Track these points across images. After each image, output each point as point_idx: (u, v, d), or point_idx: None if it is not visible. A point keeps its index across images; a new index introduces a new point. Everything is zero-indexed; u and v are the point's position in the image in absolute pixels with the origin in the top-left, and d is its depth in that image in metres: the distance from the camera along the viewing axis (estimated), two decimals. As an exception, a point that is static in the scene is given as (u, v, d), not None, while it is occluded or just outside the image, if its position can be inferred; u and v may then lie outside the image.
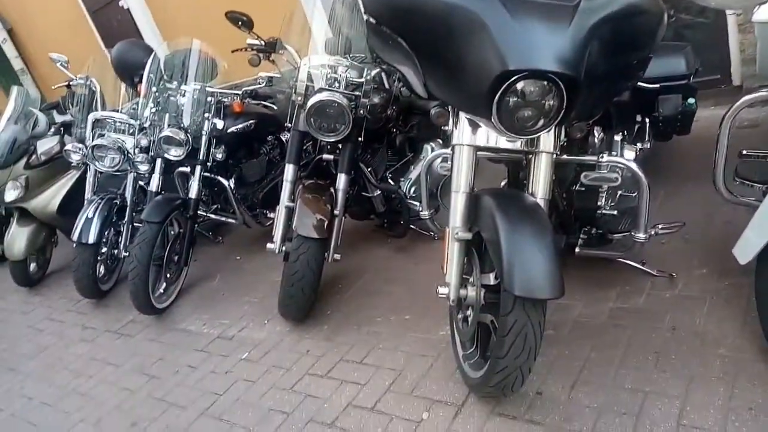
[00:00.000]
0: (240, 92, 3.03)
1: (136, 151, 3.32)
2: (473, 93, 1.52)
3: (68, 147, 3.35)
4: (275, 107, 3.17)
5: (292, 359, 2.26)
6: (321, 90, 2.40)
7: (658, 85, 2.37)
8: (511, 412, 1.66)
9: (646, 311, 1.90)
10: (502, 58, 1.40)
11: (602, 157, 1.73)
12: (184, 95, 2.95)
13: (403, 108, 2.92)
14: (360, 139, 2.54)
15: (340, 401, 1.93)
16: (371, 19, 1.68)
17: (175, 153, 2.96)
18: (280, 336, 2.48)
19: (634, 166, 1.69)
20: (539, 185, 1.65)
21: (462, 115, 1.65)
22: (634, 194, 2.11)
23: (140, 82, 3.09)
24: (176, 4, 5.62)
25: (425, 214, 2.18)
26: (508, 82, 1.43)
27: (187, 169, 3.14)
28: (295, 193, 2.50)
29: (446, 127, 1.71)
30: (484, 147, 1.67)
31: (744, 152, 1.80)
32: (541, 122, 1.51)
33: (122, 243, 3.43)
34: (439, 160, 2.07)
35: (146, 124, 3.01)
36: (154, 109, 2.99)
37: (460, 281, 1.68)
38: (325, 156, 2.68)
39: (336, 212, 2.43)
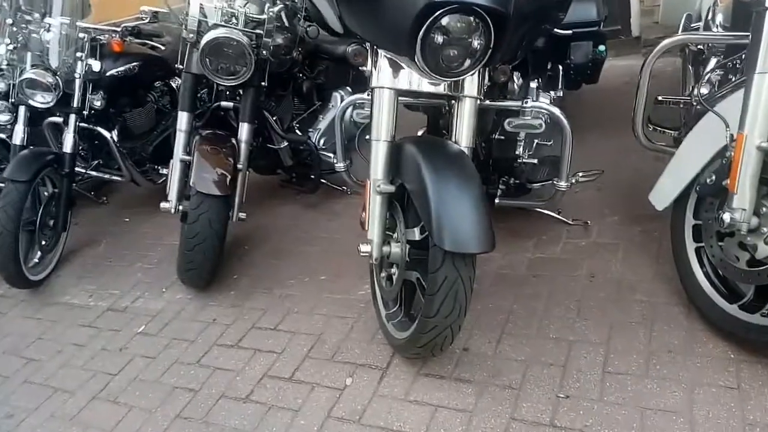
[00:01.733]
0: (119, 29, 2.63)
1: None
2: (396, 28, 1.37)
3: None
4: (163, 48, 2.80)
5: (197, 330, 2.05)
6: (216, 26, 2.11)
7: (570, 32, 2.34)
8: (439, 372, 1.59)
9: (564, 260, 1.90)
10: None
11: (526, 102, 1.66)
12: (49, 30, 2.50)
13: (309, 52, 2.68)
14: (263, 83, 2.30)
15: (254, 373, 1.77)
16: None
17: (41, 99, 2.53)
18: (180, 305, 2.25)
19: (557, 112, 1.64)
20: (463, 133, 1.54)
21: (381, 54, 1.49)
22: (549, 143, 2.09)
23: (-8, 14, 2.58)
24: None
25: (340, 166, 2.02)
26: (434, 15, 1.30)
27: (59, 120, 2.71)
28: (190, 145, 2.23)
29: (364, 68, 1.54)
30: (405, 91, 1.53)
31: (659, 98, 1.80)
32: (467, 63, 1.39)
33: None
34: (352, 107, 1.90)
35: (2, 65, 2.53)
36: (11, 47, 2.51)
37: (383, 238, 1.56)
38: (224, 104, 2.41)
39: (239, 166, 2.20)
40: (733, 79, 1.67)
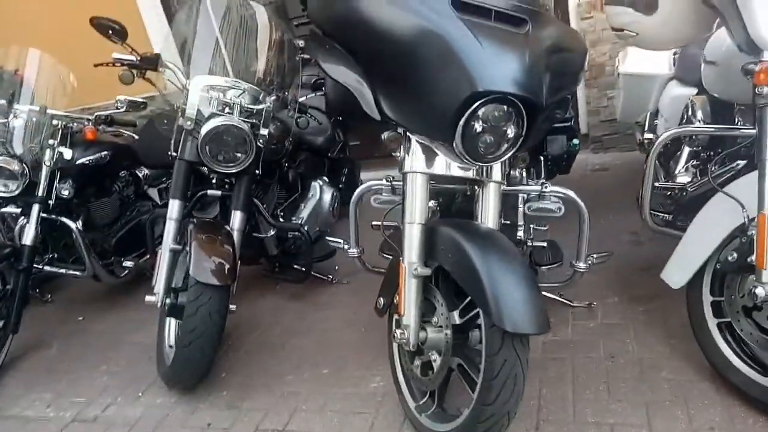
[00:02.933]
0: (92, 117, 2.54)
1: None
2: (437, 116, 1.42)
3: None
4: (135, 137, 2.71)
5: (190, 437, 1.84)
6: (214, 115, 2.09)
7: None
8: (482, 465, 1.50)
9: (578, 342, 1.92)
10: (472, 81, 1.34)
11: (546, 186, 1.73)
12: (17, 117, 2.36)
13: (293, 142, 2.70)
14: (258, 171, 2.26)
15: (271, 483, 1.59)
16: (317, 30, 1.49)
17: (4, 188, 2.33)
18: (164, 410, 2.01)
19: (574, 196, 1.71)
20: (489, 216, 1.57)
21: (414, 140, 1.52)
22: (545, 227, 2.17)
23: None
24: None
25: (353, 252, 1.98)
26: (476, 104, 1.36)
27: (15, 210, 2.50)
28: (181, 233, 2.11)
29: (397, 154, 1.56)
30: (434, 175, 1.56)
31: (656, 184, 1.95)
32: (502, 148, 1.45)
33: None
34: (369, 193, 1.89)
35: (-37, 151, 2.33)
36: (-29, 132, 2.33)
37: (419, 323, 1.51)
38: (210, 192, 2.33)
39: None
40: (714, 169, 1.84)
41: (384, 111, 1.50)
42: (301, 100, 2.44)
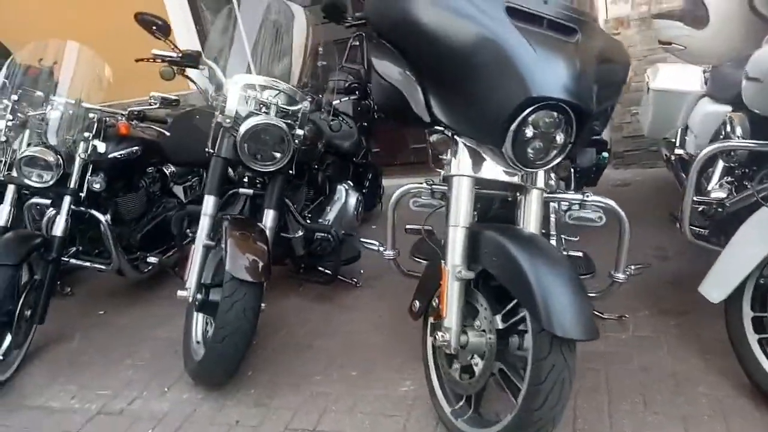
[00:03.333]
0: (125, 112, 2.55)
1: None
2: (488, 120, 1.43)
3: None
4: (166, 133, 2.72)
5: (218, 434, 1.83)
6: (252, 114, 2.11)
7: (577, 138, 2.53)
8: (520, 473, 1.49)
9: (612, 354, 1.91)
10: (526, 87, 1.35)
11: (587, 195, 1.73)
12: (54, 108, 2.37)
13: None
14: (291, 171, 2.27)
15: (304, 481, 1.58)
16: (375, 33, 1.51)
17: (39, 179, 2.35)
18: (190, 405, 2.01)
19: (615, 205, 1.72)
20: (531, 222, 1.57)
21: (461, 144, 1.54)
22: (576, 239, 2.18)
23: (-11, 88, 2.43)
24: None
25: (389, 254, 1.98)
26: (528, 110, 1.38)
27: (45, 201, 2.51)
28: (215, 229, 2.11)
29: (444, 156, 1.57)
30: (479, 179, 1.56)
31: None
32: (551, 154, 1.47)
33: None
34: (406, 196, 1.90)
35: (2, 138, 2.34)
36: (10, 123, 2.35)
37: (461, 326, 1.51)
38: (242, 190, 2.34)
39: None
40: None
41: (434, 113, 1.51)
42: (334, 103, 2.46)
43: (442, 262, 1.56)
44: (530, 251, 1.39)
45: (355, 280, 2.67)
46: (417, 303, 1.76)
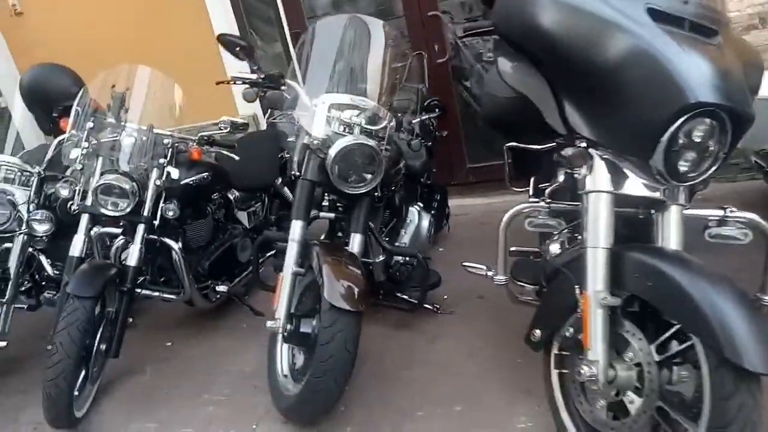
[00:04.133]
0: (196, 137, 2.49)
1: (32, 206, 2.56)
2: (636, 130, 1.32)
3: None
4: (236, 157, 2.64)
5: (322, 477, 1.70)
6: (337, 134, 2.01)
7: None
8: None
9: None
10: (682, 93, 1.24)
11: (731, 211, 1.59)
12: (129, 135, 2.31)
13: (396, 165, 2.61)
14: (377, 194, 2.17)
15: None
16: (504, 41, 1.41)
17: (115, 207, 2.27)
18: (285, 444, 1.89)
19: (760, 219, 1.57)
20: (671, 240, 1.43)
21: (597, 157, 1.41)
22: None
23: (63, 115, 2.39)
24: (40, 42, 4.73)
25: (501, 279, 1.85)
26: (684, 118, 1.26)
27: (116, 231, 2.44)
28: (303, 255, 2.00)
29: (579, 171, 1.44)
30: (617, 194, 1.44)
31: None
32: (704, 166, 1.34)
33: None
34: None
35: (78, 167, 2.27)
36: (85, 150, 2.28)
37: (608, 358, 1.37)
38: (322, 214, 2.24)
39: (363, 279, 1.98)
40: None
41: (570, 124, 1.40)
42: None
43: (576, 287, 1.43)
44: (690, 272, 1.26)
45: (436, 306, 2.54)
46: (538, 332, 1.62)
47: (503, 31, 1.44)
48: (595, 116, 1.36)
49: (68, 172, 2.37)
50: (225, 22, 4.11)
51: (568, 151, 1.42)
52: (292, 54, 3.99)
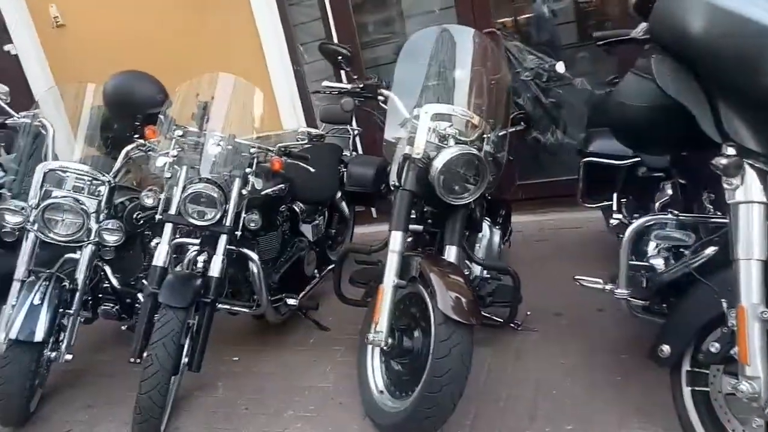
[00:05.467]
0: (274, 148, 2.46)
1: (102, 215, 2.51)
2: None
3: (5, 205, 2.39)
4: (312, 170, 2.60)
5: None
6: (441, 145, 1.99)
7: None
8: None
9: None
10: None
11: None
12: (216, 144, 2.28)
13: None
14: (472, 205, 2.14)
15: None
16: (660, 48, 1.40)
17: (199, 217, 2.23)
18: (390, 463, 1.82)
19: None
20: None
21: (748, 168, 1.39)
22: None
23: (145, 123, 2.36)
24: (80, 54, 4.73)
25: (623, 292, 1.82)
26: None
27: (194, 241, 2.39)
28: (404, 266, 1.96)
29: (732, 181, 1.41)
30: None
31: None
32: None
33: (65, 342, 2.46)
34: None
35: (167, 176, 2.24)
36: (171, 159, 2.25)
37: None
38: (413, 226, 2.20)
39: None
40: None
41: (726, 132, 1.37)
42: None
43: (723, 301, 1.40)
44: None
45: (519, 322, 2.49)
46: (667, 348, 1.57)
47: (658, 36, 1.43)
48: (756, 124, 1.34)
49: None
50: (273, 34, 4.11)
51: (721, 161, 1.39)
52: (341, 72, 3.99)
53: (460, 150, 1.93)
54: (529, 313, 2.50)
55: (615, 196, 2.48)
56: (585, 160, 2.58)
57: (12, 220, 2.39)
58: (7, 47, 5.09)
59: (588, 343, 2.30)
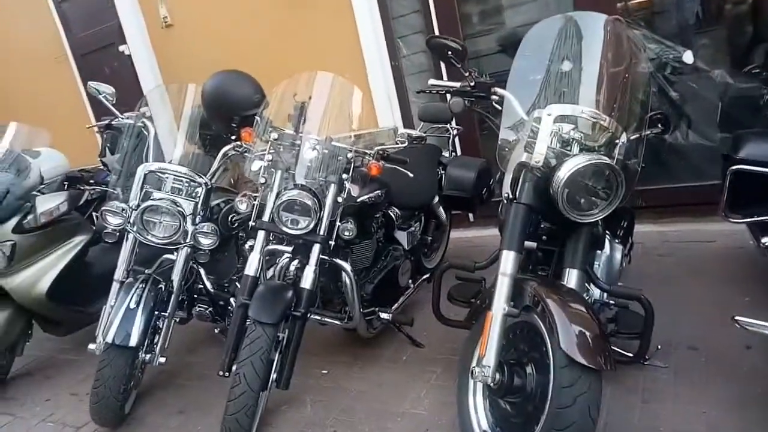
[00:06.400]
0: (372, 151, 2.27)
1: (198, 218, 2.45)
2: None
3: (107, 207, 2.40)
4: (410, 174, 2.39)
5: None
6: (565, 152, 1.71)
7: None
8: None
9: None
10: None
11: None
12: (313, 148, 2.13)
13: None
14: (600, 223, 1.84)
15: None
16: None
17: (293, 225, 2.10)
18: None
19: None
20: None
21: None
22: None
23: (244, 124, 2.26)
24: (186, 53, 4.83)
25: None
26: None
27: (286, 249, 2.27)
28: (515, 291, 1.70)
29: None
30: None
31: None
32: None
33: (158, 345, 2.43)
34: None
35: (261, 181, 2.13)
36: (266, 163, 2.13)
37: None
38: (527, 243, 1.93)
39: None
40: None
41: None
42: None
43: None
44: None
45: (647, 357, 2.14)
46: None
47: None
48: None
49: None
50: (372, 28, 3.96)
51: None
52: (441, 66, 3.75)
53: (589, 159, 1.64)
54: (659, 347, 2.15)
55: (772, 211, 2.06)
56: (734, 167, 2.17)
57: (113, 221, 2.39)
58: (121, 48, 5.34)
59: (735, 390, 1.93)
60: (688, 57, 2.61)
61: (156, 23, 4.95)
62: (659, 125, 2.07)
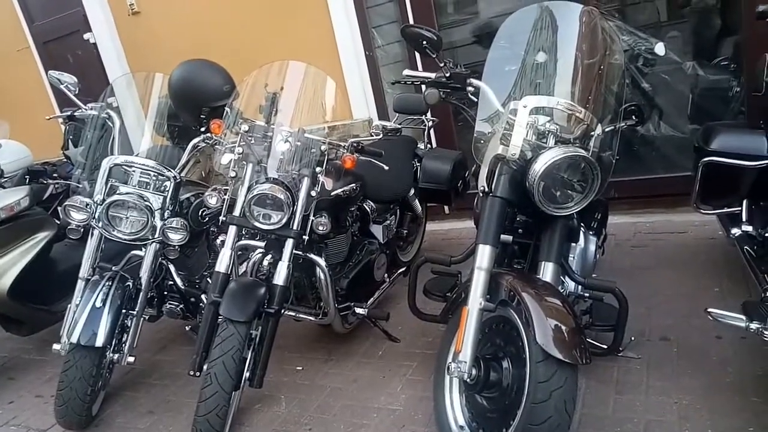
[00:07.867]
0: (346, 144, 2.22)
1: (167, 212, 2.37)
2: None
3: (70, 202, 2.31)
4: (386, 167, 2.35)
5: None
6: (540, 144, 1.70)
7: None
8: None
9: None
10: None
11: None
12: (285, 139, 2.07)
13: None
14: (574, 214, 1.83)
15: None
16: None
17: (265, 220, 2.04)
18: None
19: None
20: None
21: None
22: None
23: (212, 116, 2.19)
24: (153, 42, 4.68)
25: (775, 335, 1.48)
26: None
27: (259, 244, 2.22)
28: (491, 285, 1.69)
29: None
30: None
31: None
32: None
33: (127, 344, 2.36)
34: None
35: (231, 174, 2.07)
36: (236, 156, 2.07)
37: None
38: (502, 237, 1.91)
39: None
40: None
41: None
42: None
43: None
44: None
45: (621, 349, 2.15)
46: None
47: None
48: None
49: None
50: (346, 19, 3.89)
51: None
52: (416, 56, 3.70)
53: (565, 152, 1.63)
54: (633, 338, 2.16)
55: (745, 203, 2.09)
56: (706, 159, 2.19)
57: (77, 217, 2.30)
58: (86, 36, 5.16)
59: (706, 379, 1.95)
60: (660, 49, 2.62)
61: (122, 10, 4.79)
62: (633, 117, 2.07)
